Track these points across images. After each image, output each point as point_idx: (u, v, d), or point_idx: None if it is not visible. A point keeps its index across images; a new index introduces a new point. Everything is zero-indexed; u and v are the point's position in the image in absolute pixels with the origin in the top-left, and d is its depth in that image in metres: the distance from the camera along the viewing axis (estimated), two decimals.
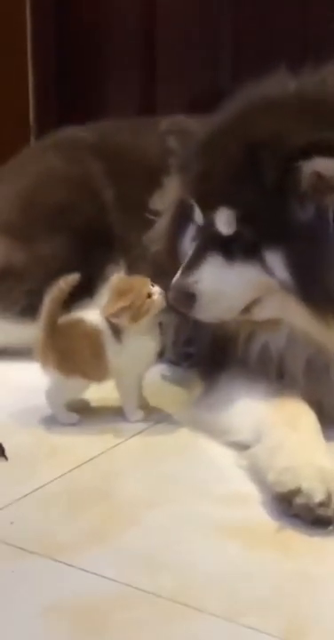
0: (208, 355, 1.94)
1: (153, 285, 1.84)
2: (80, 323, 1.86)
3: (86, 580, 1.37)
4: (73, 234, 2.25)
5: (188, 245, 1.87)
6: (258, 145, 1.68)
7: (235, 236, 1.72)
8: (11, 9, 3.39)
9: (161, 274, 1.89)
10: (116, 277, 1.90)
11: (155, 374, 2.07)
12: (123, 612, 1.30)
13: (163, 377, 2.13)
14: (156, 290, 1.83)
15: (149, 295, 1.83)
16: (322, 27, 2.84)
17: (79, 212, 2.29)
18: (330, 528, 1.48)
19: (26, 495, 1.60)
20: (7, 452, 1.74)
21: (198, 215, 1.81)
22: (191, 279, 1.75)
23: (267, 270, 1.70)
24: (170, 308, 1.85)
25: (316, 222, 1.67)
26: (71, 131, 2.50)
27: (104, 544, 1.47)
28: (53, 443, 1.81)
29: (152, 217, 2.17)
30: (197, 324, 1.91)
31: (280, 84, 1.80)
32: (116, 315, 1.82)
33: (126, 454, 1.78)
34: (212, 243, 1.75)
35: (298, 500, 1.49)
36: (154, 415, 1.91)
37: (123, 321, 1.83)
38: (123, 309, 1.82)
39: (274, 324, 1.78)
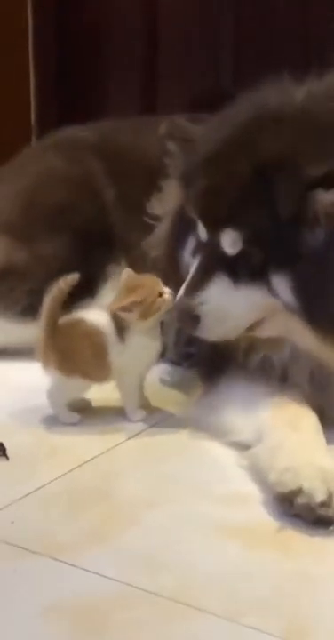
0: (209, 355, 1.93)
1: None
2: (81, 322, 1.86)
3: (87, 579, 1.37)
4: (73, 234, 2.25)
5: (189, 256, 1.86)
6: (270, 167, 1.66)
7: (241, 256, 1.71)
8: (13, 9, 3.39)
9: (161, 278, 1.89)
10: (126, 273, 1.90)
11: (156, 374, 2.07)
12: (124, 612, 1.30)
13: (164, 377, 2.13)
14: (167, 289, 1.83)
15: (160, 294, 1.83)
16: (322, 27, 2.84)
17: (80, 211, 2.29)
18: (331, 528, 1.48)
19: (26, 495, 1.60)
20: (8, 452, 1.74)
21: (201, 231, 1.79)
22: (196, 300, 1.74)
23: (273, 293, 1.70)
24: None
25: (325, 247, 1.66)
26: (71, 130, 2.50)
27: (104, 544, 1.46)
28: (54, 442, 1.81)
29: (151, 221, 2.17)
30: None
31: (285, 93, 1.77)
32: (127, 309, 1.82)
33: (127, 454, 1.78)
34: (217, 262, 1.73)
35: (300, 500, 1.49)
36: (155, 415, 1.91)
37: (132, 316, 1.82)
38: (134, 304, 1.82)
39: (277, 341, 1.78)
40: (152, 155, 2.21)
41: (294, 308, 1.69)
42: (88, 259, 2.20)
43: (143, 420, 1.89)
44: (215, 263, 1.74)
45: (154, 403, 1.95)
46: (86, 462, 1.72)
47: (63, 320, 1.85)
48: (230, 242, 1.72)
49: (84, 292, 2.07)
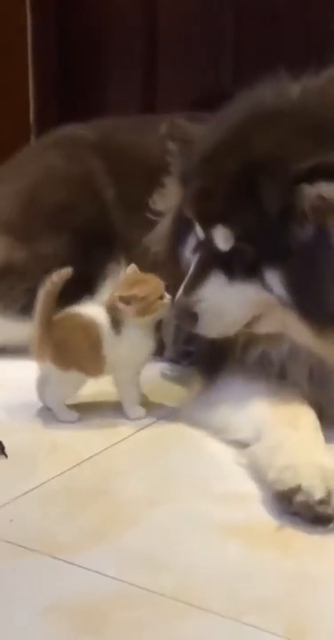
0: (207, 352, 1.93)
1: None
2: (76, 316, 1.86)
3: (86, 578, 1.37)
4: (73, 233, 2.25)
5: (189, 253, 1.87)
6: (256, 165, 1.68)
7: (234, 253, 1.73)
8: (12, 8, 3.38)
9: (161, 274, 1.89)
10: (131, 269, 1.91)
11: (155, 372, 2.07)
12: (124, 611, 1.29)
13: (163, 375, 2.13)
14: (167, 295, 1.85)
15: (161, 297, 1.84)
16: (322, 26, 2.84)
17: (80, 210, 2.28)
18: (330, 526, 1.48)
19: (25, 493, 1.60)
20: (7, 450, 1.74)
21: (199, 230, 1.81)
22: (194, 298, 1.76)
23: (267, 288, 1.71)
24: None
25: (315, 242, 1.67)
26: (71, 129, 2.49)
27: (104, 542, 1.46)
28: (53, 440, 1.81)
29: (153, 217, 2.17)
30: None
31: (280, 91, 1.78)
32: (126, 300, 1.83)
33: (126, 452, 1.77)
34: (213, 260, 1.76)
35: (298, 498, 1.49)
36: (153, 413, 1.91)
37: (129, 310, 1.83)
38: (134, 298, 1.83)
39: (275, 337, 1.79)
40: (152, 153, 2.21)
41: (288, 303, 1.69)
42: (88, 258, 2.20)
43: (142, 418, 1.89)
44: (211, 261, 1.76)
45: (154, 398, 1.95)
46: (85, 460, 1.72)
47: (58, 314, 1.85)
48: (222, 238, 1.73)
49: (84, 290, 2.08)
